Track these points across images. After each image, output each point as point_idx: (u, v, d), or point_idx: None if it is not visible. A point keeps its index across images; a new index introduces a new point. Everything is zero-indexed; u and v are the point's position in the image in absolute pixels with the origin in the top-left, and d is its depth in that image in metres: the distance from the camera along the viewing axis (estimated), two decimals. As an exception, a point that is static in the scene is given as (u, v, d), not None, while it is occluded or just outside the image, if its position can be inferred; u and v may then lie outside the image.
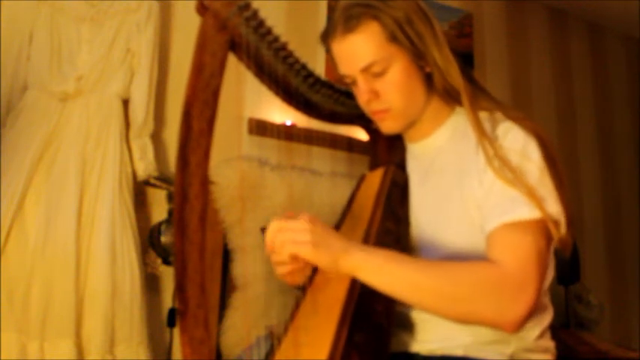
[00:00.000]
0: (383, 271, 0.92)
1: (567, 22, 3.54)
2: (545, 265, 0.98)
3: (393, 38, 1.08)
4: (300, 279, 1.06)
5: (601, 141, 3.50)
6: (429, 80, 1.13)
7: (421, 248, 1.11)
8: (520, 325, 0.93)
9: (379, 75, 1.10)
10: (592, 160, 3.43)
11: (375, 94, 1.11)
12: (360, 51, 1.09)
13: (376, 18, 1.07)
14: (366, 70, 1.09)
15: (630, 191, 3.54)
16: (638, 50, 3.80)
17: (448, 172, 1.12)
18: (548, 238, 0.98)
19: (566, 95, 3.42)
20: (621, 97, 3.66)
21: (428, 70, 1.12)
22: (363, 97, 1.12)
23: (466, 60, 3.02)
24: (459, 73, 1.10)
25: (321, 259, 0.91)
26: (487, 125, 1.07)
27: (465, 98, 1.09)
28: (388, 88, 1.10)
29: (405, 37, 1.08)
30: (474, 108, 1.08)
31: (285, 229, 0.92)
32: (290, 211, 1.01)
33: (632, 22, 3.52)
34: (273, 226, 0.93)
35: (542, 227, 0.97)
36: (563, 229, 1.00)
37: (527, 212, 0.97)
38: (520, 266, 0.93)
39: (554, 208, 0.99)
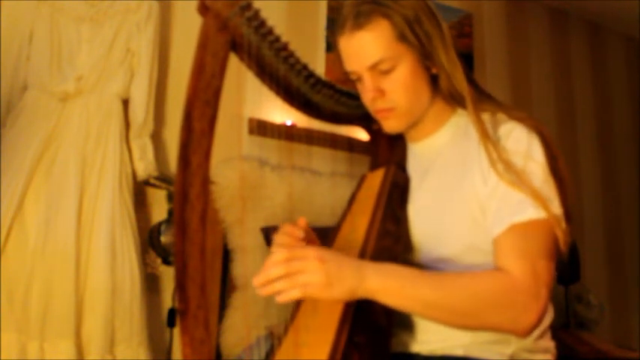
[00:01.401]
0: (400, 295, 0.91)
1: (567, 22, 3.54)
2: (553, 266, 0.98)
3: (402, 37, 1.07)
4: None
5: (601, 140, 3.50)
6: (433, 80, 1.13)
7: (422, 248, 1.11)
8: (533, 330, 0.95)
9: (386, 73, 1.09)
10: (592, 159, 3.43)
11: (381, 93, 1.11)
12: (369, 48, 1.08)
13: (386, 16, 1.07)
14: (373, 67, 1.09)
15: (630, 191, 3.54)
16: (638, 50, 3.80)
17: (449, 171, 1.12)
18: (555, 237, 0.99)
19: (566, 95, 3.42)
20: (621, 97, 3.66)
21: (434, 71, 1.12)
22: (368, 94, 1.12)
23: (466, 60, 3.03)
24: (463, 77, 1.10)
25: (335, 295, 0.87)
26: (489, 127, 1.07)
27: (469, 102, 1.09)
28: (394, 87, 1.10)
29: (413, 36, 1.07)
30: (478, 112, 1.08)
31: (297, 269, 0.85)
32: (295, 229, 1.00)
33: (632, 22, 3.52)
34: (280, 263, 0.86)
35: (549, 227, 0.98)
36: (563, 229, 1.00)
37: (534, 213, 0.97)
38: (531, 273, 0.94)
39: (558, 208, 0.99)
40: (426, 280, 0.93)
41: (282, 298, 0.86)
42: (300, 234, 1.07)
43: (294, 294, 0.85)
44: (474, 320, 0.94)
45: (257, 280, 0.86)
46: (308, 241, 1.09)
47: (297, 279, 0.85)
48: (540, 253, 0.96)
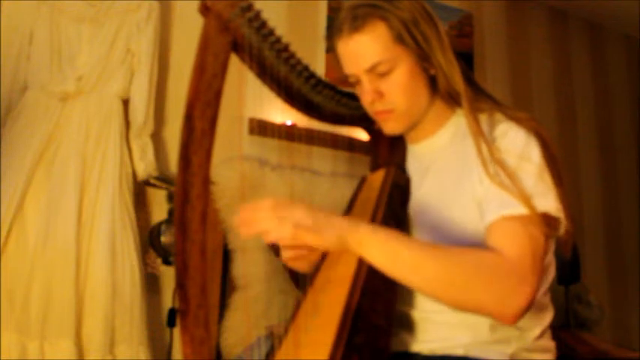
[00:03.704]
0: (387, 249, 0.90)
1: (567, 22, 3.54)
2: (544, 260, 0.97)
3: (399, 39, 1.08)
4: (304, 266, 1.06)
5: (601, 141, 3.50)
6: (432, 82, 1.13)
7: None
8: (519, 317, 0.91)
9: (384, 75, 1.09)
10: (592, 160, 3.43)
11: (379, 95, 1.11)
12: (366, 51, 1.08)
13: (383, 18, 1.07)
14: (371, 70, 1.09)
15: (630, 191, 3.54)
16: (638, 50, 3.80)
17: (449, 171, 1.12)
18: (547, 234, 0.98)
19: (566, 95, 3.42)
20: (621, 97, 3.66)
21: (432, 72, 1.12)
22: (366, 97, 1.12)
23: (466, 60, 3.03)
24: (460, 77, 1.10)
25: (325, 239, 0.87)
26: (485, 127, 1.07)
27: (465, 102, 1.09)
28: (392, 89, 1.10)
29: (411, 38, 1.08)
30: (473, 111, 1.08)
31: (281, 208, 0.86)
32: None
33: (632, 22, 3.53)
34: (264, 204, 0.86)
35: (541, 222, 0.97)
36: (563, 227, 1.00)
37: (526, 209, 0.97)
38: (520, 256, 0.92)
39: (553, 205, 0.99)
40: (416, 242, 0.94)
41: (270, 237, 0.86)
42: None
43: (283, 231, 0.85)
44: (459, 293, 0.91)
45: (239, 218, 0.86)
46: None
47: (285, 218, 0.85)
48: (532, 242, 0.94)
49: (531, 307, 0.92)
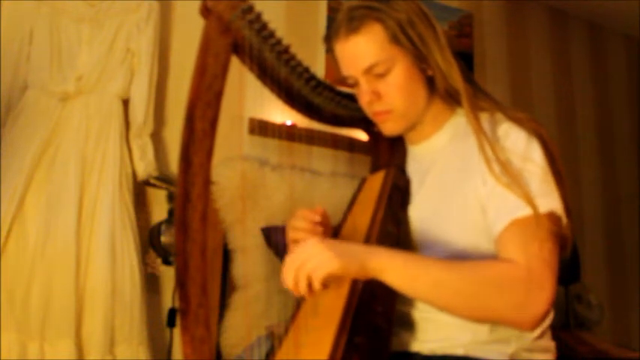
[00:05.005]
0: (406, 274, 0.92)
1: (567, 22, 3.54)
2: (556, 261, 0.99)
3: (395, 40, 1.09)
4: None
5: (601, 141, 3.50)
6: (430, 82, 1.13)
7: (422, 249, 1.11)
8: (538, 323, 0.95)
9: (381, 76, 1.10)
10: (592, 159, 3.43)
11: (377, 96, 1.12)
12: (363, 52, 1.09)
13: (379, 20, 1.08)
14: (368, 71, 1.10)
15: (630, 191, 3.54)
16: (638, 50, 3.80)
17: (450, 172, 1.12)
18: (555, 233, 0.99)
19: (566, 95, 3.42)
20: (621, 97, 3.66)
21: (429, 72, 1.12)
22: (364, 98, 1.13)
23: (466, 60, 3.03)
24: (459, 76, 1.10)
25: (349, 267, 0.88)
26: (487, 126, 1.07)
27: (465, 100, 1.09)
28: (390, 90, 1.11)
29: (406, 39, 1.09)
30: (474, 110, 1.09)
31: (304, 260, 0.88)
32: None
33: (632, 22, 3.52)
34: (290, 265, 0.88)
35: (548, 222, 0.98)
36: (564, 226, 1.01)
37: (532, 210, 0.97)
38: (534, 263, 0.94)
39: (557, 204, 1.00)
40: (432, 262, 0.95)
41: (310, 292, 0.87)
42: (317, 218, 1.09)
43: (315, 284, 0.86)
44: (478, 304, 0.94)
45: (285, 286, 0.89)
46: (323, 225, 1.11)
47: (306, 267, 0.86)
48: (543, 245, 0.96)
49: (550, 310, 0.95)
